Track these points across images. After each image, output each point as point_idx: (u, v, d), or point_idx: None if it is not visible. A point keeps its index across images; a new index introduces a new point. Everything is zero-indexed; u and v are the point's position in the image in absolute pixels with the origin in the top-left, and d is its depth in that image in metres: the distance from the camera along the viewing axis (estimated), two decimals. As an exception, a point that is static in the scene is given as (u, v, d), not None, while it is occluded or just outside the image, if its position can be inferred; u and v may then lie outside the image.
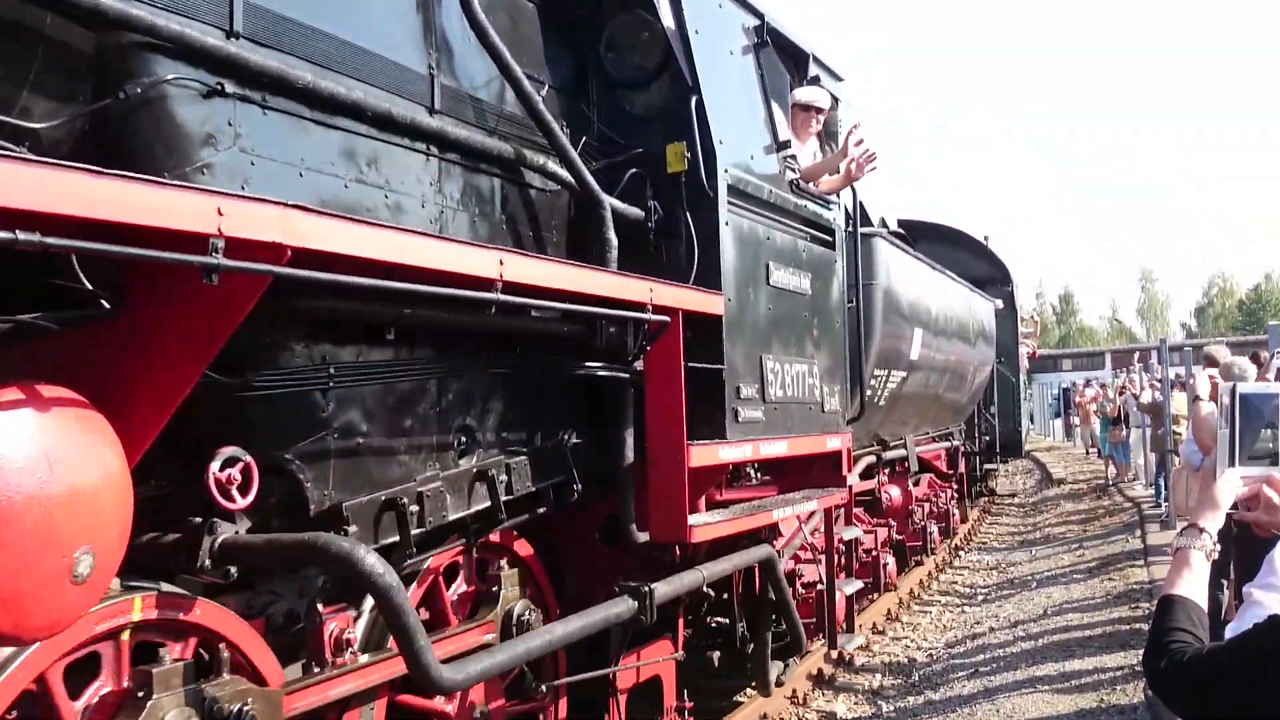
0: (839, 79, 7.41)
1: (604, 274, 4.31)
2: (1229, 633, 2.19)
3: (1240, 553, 5.23)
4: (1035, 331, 26.34)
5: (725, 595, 6.32)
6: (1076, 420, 35.64)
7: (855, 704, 8.19)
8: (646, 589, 4.68)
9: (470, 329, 4.15)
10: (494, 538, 4.47)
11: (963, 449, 16.08)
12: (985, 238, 19.88)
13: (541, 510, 4.64)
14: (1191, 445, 8.66)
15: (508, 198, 4.59)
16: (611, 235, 4.74)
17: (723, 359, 5.13)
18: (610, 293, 4.24)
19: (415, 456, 3.95)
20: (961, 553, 15.53)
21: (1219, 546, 2.20)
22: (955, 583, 13.27)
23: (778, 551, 6.42)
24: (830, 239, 6.67)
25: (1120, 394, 22.46)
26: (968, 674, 8.72)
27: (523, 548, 4.74)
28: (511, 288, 3.55)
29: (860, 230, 8.21)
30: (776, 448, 5.64)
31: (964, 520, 16.91)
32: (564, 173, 4.71)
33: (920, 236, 15.67)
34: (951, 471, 15.06)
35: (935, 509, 13.38)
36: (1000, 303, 17.80)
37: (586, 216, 4.84)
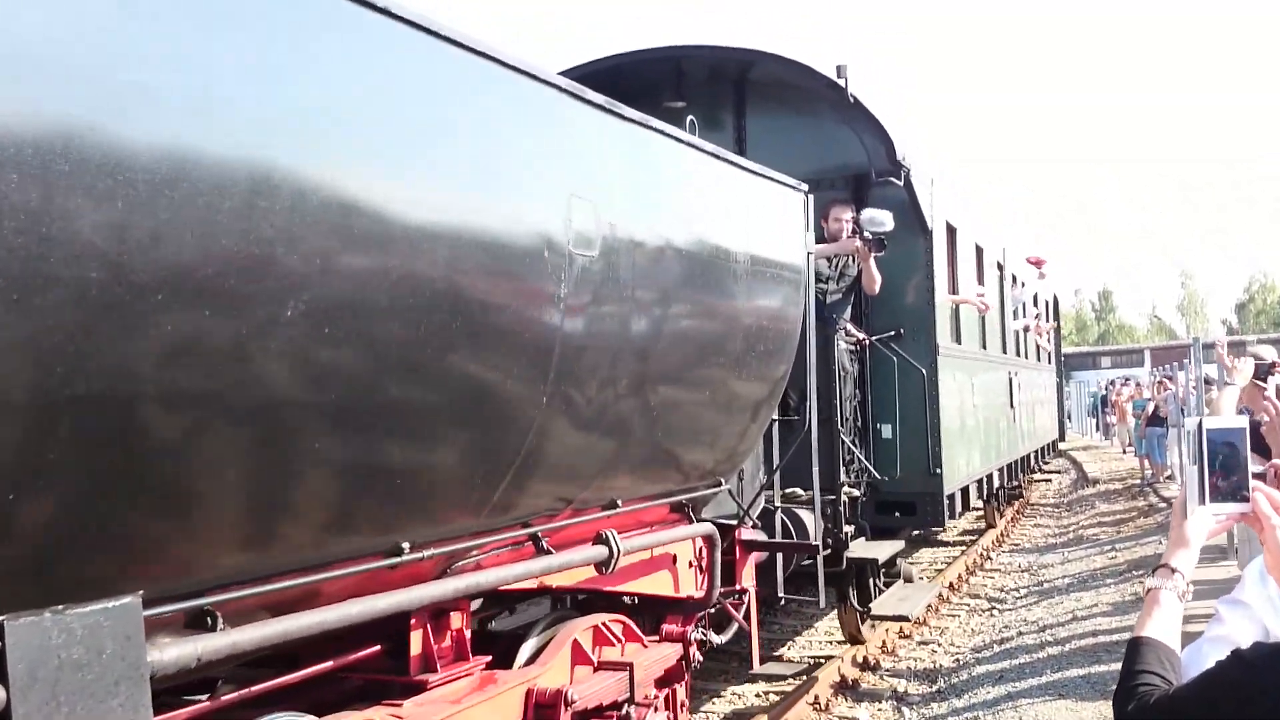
0: None
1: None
2: (1187, 651, 2.16)
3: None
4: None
5: None
6: (1114, 419, 35.23)
7: (878, 711, 8.12)
8: None
9: None
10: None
11: (721, 537, 5.54)
12: (840, 72, 8.62)
13: None
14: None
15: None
16: None
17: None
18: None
19: None
20: (993, 555, 15.37)
21: (1192, 587, 2.15)
22: (985, 585, 13.14)
23: None
24: None
25: (1159, 391, 22.18)
26: (993, 680, 8.63)
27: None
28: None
29: None
30: None
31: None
32: None
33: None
34: (701, 594, 5.53)
35: None
36: (899, 211, 8.42)
37: None
